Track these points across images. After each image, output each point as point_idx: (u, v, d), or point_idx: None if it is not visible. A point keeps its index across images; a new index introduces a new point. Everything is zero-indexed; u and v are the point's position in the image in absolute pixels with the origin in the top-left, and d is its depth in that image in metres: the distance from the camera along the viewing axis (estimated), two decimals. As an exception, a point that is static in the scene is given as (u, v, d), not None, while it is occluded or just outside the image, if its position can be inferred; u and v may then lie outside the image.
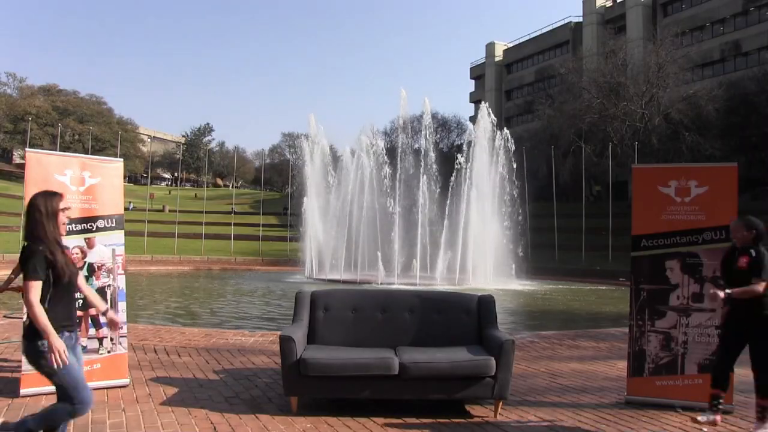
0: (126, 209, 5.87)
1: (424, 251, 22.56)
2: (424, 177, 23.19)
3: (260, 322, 10.85)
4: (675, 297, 4.97)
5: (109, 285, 5.16)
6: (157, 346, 6.84)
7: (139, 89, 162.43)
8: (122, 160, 5.79)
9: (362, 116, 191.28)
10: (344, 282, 19.67)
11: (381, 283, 19.17)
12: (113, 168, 5.39)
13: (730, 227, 4.25)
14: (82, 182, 5.13)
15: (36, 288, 2.97)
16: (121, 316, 5.19)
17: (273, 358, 6.21)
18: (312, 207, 25.75)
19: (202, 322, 10.74)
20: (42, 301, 3.01)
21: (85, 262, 5.07)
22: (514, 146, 24.52)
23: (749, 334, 4.13)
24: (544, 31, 57.99)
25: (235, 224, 38.97)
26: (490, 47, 64.07)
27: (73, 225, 5.05)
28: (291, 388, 4.45)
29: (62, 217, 3.18)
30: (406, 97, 26.25)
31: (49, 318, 2.98)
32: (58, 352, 2.95)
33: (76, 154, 5.72)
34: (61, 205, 3.18)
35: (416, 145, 32.62)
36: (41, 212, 3.08)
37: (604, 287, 20.99)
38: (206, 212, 39.47)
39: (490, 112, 24.45)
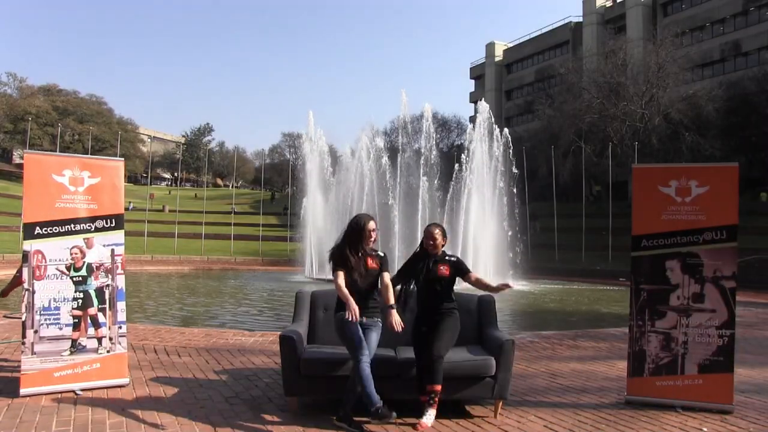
0: (126, 209, 5.80)
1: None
2: (424, 177, 23.17)
3: (260, 321, 10.84)
4: (675, 297, 4.96)
5: (108, 285, 5.15)
6: (157, 346, 6.83)
7: (139, 89, 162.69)
8: (123, 159, 5.77)
9: (362, 116, 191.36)
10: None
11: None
12: (114, 168, 5.37)
13: (432, 233, 4.38)
14: (82, 182, 5.12)
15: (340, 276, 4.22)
16: (120, 316, 5.18)
17: (273, 358, 6.21)
18: (312, 207, 25.73)
19: (202, 322, 10.73)
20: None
21: (84, 262, 5.07)
22: (511, 145, 24.53)
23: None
24: (544, 31, 58.01)
25: (235, 224, 38.96)
26: (490, 47, 64.06)
27: (72, 225, 5.05)
28: (291, 388, 4.44)
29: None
30: (406, 96, 26.24)
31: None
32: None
33: (76, 155, 5.71)
34: (370, 225, 4.27)
35: (416, 145, 32.61)
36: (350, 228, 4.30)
37: (604, 287, 20.99)
38: (206, 212, 39.46)
39: (491, 111, 24.44)
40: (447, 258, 4.44)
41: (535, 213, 35.62)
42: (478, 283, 4.57)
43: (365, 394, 4.01)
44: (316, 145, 27.21)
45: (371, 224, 4.28)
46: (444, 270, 4.36)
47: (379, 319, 4.33)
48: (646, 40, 42.70)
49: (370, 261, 4.29)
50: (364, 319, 4.23)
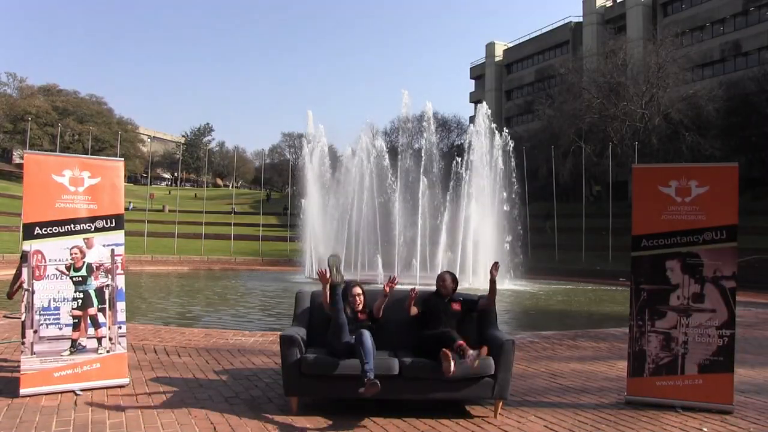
0: (126, 209, 5.80)
1: (424, 251, 22.56)
2: (424, 178, 23.17)
3: (260, 321, 10.84)
4: (675, 297, 4.96)
5: (107, 285, 5.15)
6: (157, 346, 6.83)
7: (139, 89, 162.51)
8: (123, 159, 5.76)
9: (362, 116, 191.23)
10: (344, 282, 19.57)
11: (381, 284, 19.12)
12: (113, 168, 5.37)
13: (443, 278, 5.21)
14: (81, 182, 5.12)
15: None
16: (120, 315, 5.18)
17: (273, 358, 6.21)
18: (312, 207, 25.73)
19: (202, 322, 10.73)
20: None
21: (84, 262, 5.07)
22: (512, 145, 24.54)
23: None
24: (544, 31, 57.99)
25: (235, 224, 38.97)
26: (490, 47, 64.04)
27: (72, 225, 5.05)
28: (291, 388, 4.44)
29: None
30: (407, 96, 26.19)
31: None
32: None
33: (76, 155, 5.71)
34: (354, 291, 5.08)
35: (416, 145, 32.61)
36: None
37: (604, 287, 20.99)
38: (206, 212, 39.46)
39: (490, 112, 24.44)
40: (457, 298, 5.22)
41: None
42: (489, 300, 5.14)
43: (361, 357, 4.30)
44: (315, 144, 27.20)
45: (355, 290, 5.10)
46: (456, 306, 5.10)
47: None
48: (646, 40, 42.68)
49: (360, 315, 5.02)
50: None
